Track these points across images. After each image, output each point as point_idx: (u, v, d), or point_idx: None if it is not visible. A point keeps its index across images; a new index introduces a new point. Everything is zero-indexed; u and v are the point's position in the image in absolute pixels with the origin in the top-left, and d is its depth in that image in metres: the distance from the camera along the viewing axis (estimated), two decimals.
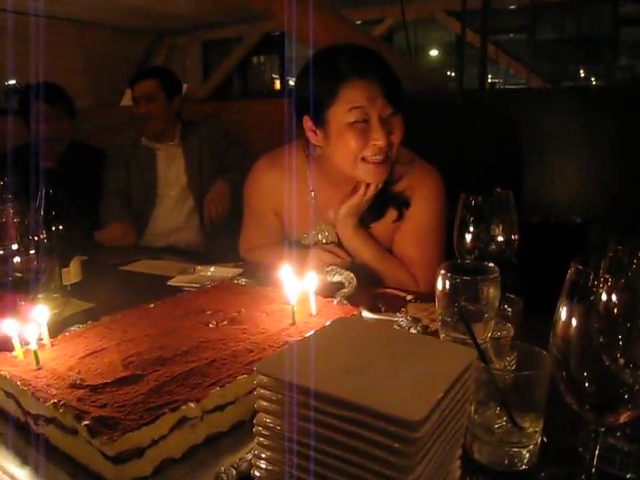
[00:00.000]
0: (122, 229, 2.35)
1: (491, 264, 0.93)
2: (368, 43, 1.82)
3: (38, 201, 1.40)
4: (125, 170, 2.64)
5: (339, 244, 1.58)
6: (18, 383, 0.82)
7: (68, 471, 0.74)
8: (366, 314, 1.16)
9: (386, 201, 1.54)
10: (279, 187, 1.60)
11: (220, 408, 0.81)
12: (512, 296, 0.98)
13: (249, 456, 0.70)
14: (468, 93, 3.05)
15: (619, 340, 0.60)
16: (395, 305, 1.26)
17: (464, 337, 0.85)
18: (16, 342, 0.90)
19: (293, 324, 1.03)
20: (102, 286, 1.49)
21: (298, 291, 1.07)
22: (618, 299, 0.59)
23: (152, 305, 1.16)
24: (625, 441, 0.78)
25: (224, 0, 4.00)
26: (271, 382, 0.61)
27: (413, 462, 0.54)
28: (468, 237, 1.12)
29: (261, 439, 0.64)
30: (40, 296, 1.27)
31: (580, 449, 0.77)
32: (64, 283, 1.41)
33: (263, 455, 0.64)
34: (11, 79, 4.35)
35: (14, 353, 0.90)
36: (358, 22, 4.77)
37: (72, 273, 1.46)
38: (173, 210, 2.66)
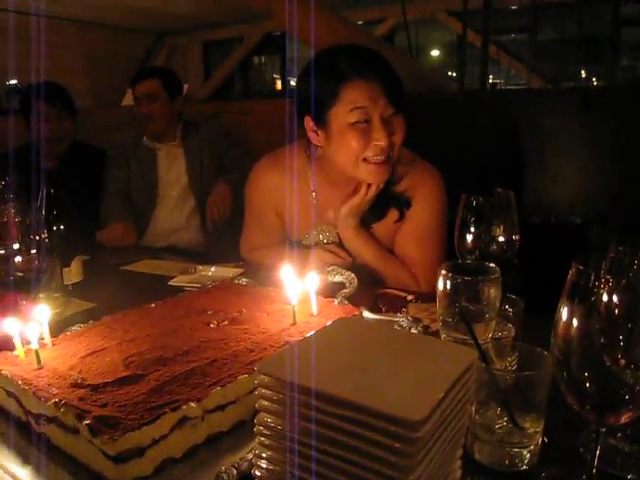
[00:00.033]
0: (123, 229, 2.35)
1: (492, 264, 0.93)
2: (369, 43, 1.82)
3: (39, 201, 1.40)
4: (126, 170, 2.64)
5: (340, 244, 1.58)
6: (19, 382, 0.82)
7: (69, 470, 0.74)
8: (367, 314, 1.16)
9: (387, 201, 1.54)
10: (280, 187, 1.60)
11: (221, 408, 0.81)
12: (513, 296, 0.98)
13: (250, 456, 0.70)
14: (469, 93, 3.05)
15: (620, 341, 0.60)
16: (396, 305, 1.26)
17: (465, 337, 0.85)
18: (17, 341, 0.90)
19: (294, 324, 1.03)
20: (103, 286, 1.50)
21: (299, 291, 1.07)
22: (619, 300, 0.59)
23: (153, 305, 1.16)
24: (626, 442, 0.78)
25: (225, 0, 4.00)
26: (272, 382, 0.61)
27: (414, 462, 0.54)
28: (469, 237, 1.12)
29: (262, 439, 0.64)
30: (41, 296, 1.27)
31: (581, 450, 0.77)
32: (65, 283, 1.41)
33: (264, 455, 0.64)
34: (12, 79, 4.35)
35: (15, 352, 0.91)
36: (359, 22, 4.76)
37: (73, 273, 1.46)
38: (174, 210, 2.66)
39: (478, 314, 0.89)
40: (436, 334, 1.01)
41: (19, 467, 0.75)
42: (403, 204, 1.54)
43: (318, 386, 0.58)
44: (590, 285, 0.61)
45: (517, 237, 1.11)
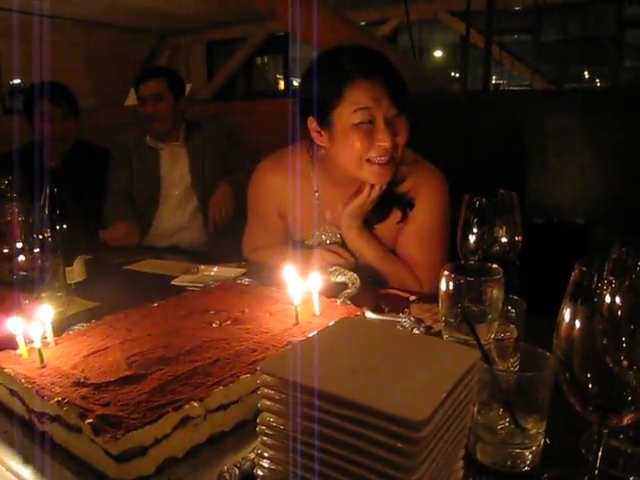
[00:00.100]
0: (126, 229, 2.35)
1: (495, 265, 0.93)
2: (372, 44, 1.82)
3: (42, 200, 1.41)
4: (129, 170, 2.64)
5: (343, 245, 1.58)
6: (22, 381, 0.82)
7: (72, 469, 0.74)
8: (369, 314, 1.16)
9: (390, 202, 1.54)
10: (283, 188, 1.61)
11: (223, 407, 0.81)
12: (515, 297, 0.98)
13: (252, 455, 0.70)
14: (472, 94, 3.05)
15: (623, 342, 0.60)
16: (398, 306, 1.26)
17: (467, 338, 0.85)
18: (20, 340, 0.90)
19: (296, 324, 1.03)
20: (106, 285, 1.50)
21: (301, 291, 1.07)
22: (622, 301, 0.59)
23: (156, 304, 1.16)
24: (628, 443, 0.78)
25: (228, 1, 4.01)
26: (275, 381, 0.61)
27: (416, 462, 0.54)
28: (472, 238, 1.12)
29: (264, 438, 0.64)
30: (44, 295, 1.28)
31: (583, 451, 0.77)
32: (68, 282, 1.41)
33: (266, 454, 0.64)
34: (16, 79, 4.36)
35: (18, 351, 0.91)
36: (362, 23, 4.76)
37: (76, 272, 1.46)
38: (177, 210, 2.66)
39: (480, 315, 0.89)
40: (438, 335, 1.01)
41: (22, 465, 0.75)
42: (406, 205, 1.54)
43: (321, 386, 0.58)
44: (593, 286, 0.61)
45: (520, 238, 1.11)
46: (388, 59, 1.44)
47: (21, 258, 1.29)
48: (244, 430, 0.82)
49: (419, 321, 1.14)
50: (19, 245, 1.31)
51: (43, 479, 0.73)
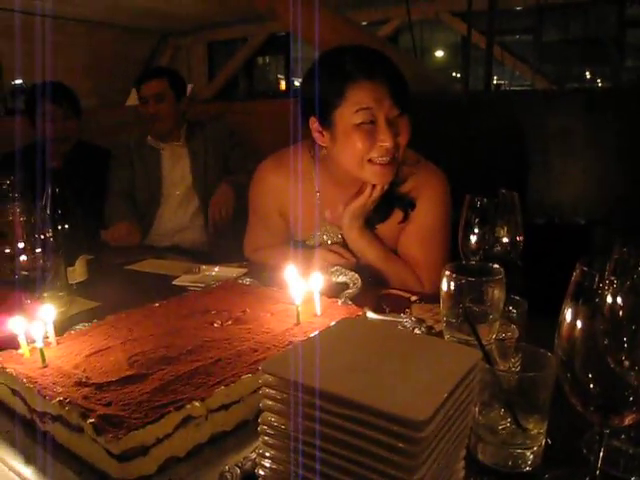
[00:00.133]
0: (127, 229, 2.35)
1: (496, 265, 0.93)
2: (373, 44, 1.82)
3: (44, 200, 1.41)
4: (130, 170, 2.65)
5: (344, 245, 1.58)
6: (24, 381, 0.83)
7: (74, 469, 0.74)
8: (371, 315, 1.16)
9: (392, 202, 1.54)
10: (284, 188, 1.61)
11: (224, 407, 0.81)
12: (517, 297, 0.98)
13: (253, 455, 0.71)
14: (473, 94, 3.05)
15: (624, 342, 0.60)
16: (400, 306, 1.26)
17: (469, 338, 0.85)
18: (22, 340, 0.91)
19: (297, 324, 1.03)
20: (107, 285, 1.50)
21: (303, 291, 1.07)
22: (623, 301, 0.59)
23: (157, 304, 1.16)
24: (630, 444, 0.78)
25: (229, 1, 4.01)
26: (276, 381, 0.61)
27: (418, 462, 0.54)
28: (473, 238, 1.12)
29: (266, 438, 0.64)
30: (46, 295, 1.28)
31: (584, 451, 0.77)
32: (70, 282, 1.41)
33: (267, 454, 0.64)
34: (18, 79, 4.36)
35: (20, 351, 0.91)
36: (363, 23, 4.76)
37: (77, 272, 1.46)
38: (178, 210, 2.66)
39: (482, 315, 0.89)
40: (440, 335, 1.01)
41: (24, 465, 0.75)
42: (407, 205, 1.54)
43: (322, 386, 0.58)
44: (594, 286, 0.61)
45: (521, 238, 1.11)
46: (390, 59, 1.44)
47: (23, 258, 1.29)
48: (245, 430, 0.82)
49: (420, 321, 1.14)
50: (21, 245, 1.31)
51: (45, 479, 0.73)
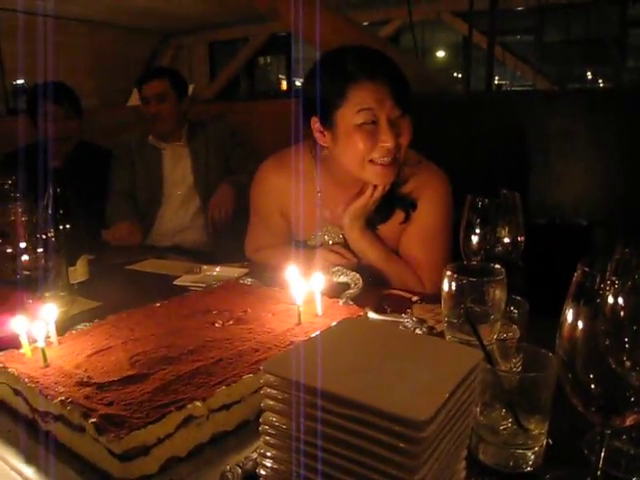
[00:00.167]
0: (128, 229, 2.36)
1: (497, 266, 0.93)
2: (375, 44, 1.82)
3: (46, 200, 1.41)
4: (131, 170, 2.65)
5: (345, 245, 1.58)
6: (26, 380, 0.83)
7: (75, 468, 0.74)
8: (372, 315, 1.16)
9: (393, 203, 1.54)
10: (286, 188, 1.61)
11: (226, 407, 0.81)
12: (518, 298, 0.98)
13: (254, 455, 0.71)
14: (475, 94, 3.05)
15: (625, 343, 0.60)
16: (401, 306, 1.26)
17: (470, 338, 0.85)
18: (24, 340, 0.91)
19: (299, 324, 1.03)
20: (108, 285, 1.50)
21: (304, 291, 1.07)
22: (624, 302, 0.59)
23: (158, 304, 1.16)
24: (631, 444, 0.78)
25: (230, 1, 4.01)
26: (278, 381, 0.61)
27: (419, 462, 0.54)
28: (474, 239, 1.12)
29: (267, 438, 0.64)
30: (47, 294, 1.28)
31: (585, 452, 0.77)
32: (71, 282, 1.41)
33: (269, 454, 0.64)
34: (19, 79, 4.37)
35: (22, 351, 0.91)
36: (365, 23, 4.76)
37: (79, 272, 1.46)
38: (179, 210, 2.67)
39: (483, 315, 0.89)
40: (441, 335, 1.01)
41: (25, 464, 0.75)
42: (409, 205, 1.54)
43: (323, 386, 0.58)
44: (596, 287, 0.61)
45: (522, 238, 1.11)
46: (391, 60, 1.44)
47: (24, 258, 1.30)
48: (246, 430, 0.82)
49: (421, 321, 1.14)
50: (22, 245, 1.32)
51: (47, 478, 0.73)
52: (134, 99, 3.57)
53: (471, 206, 1.13)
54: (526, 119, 2.40)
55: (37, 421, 0.82)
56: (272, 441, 0.64)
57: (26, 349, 0.91)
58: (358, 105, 1.37)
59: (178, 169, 2.67)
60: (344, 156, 1.44)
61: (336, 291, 1.29)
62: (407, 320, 1.13)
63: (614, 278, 0.60)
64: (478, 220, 1.12)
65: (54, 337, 0.95)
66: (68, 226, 1.43)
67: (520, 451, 0.74)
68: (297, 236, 1.66)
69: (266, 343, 0.95)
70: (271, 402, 0.63)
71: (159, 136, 2.65)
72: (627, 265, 0.62)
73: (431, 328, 1.13)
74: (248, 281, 1.36)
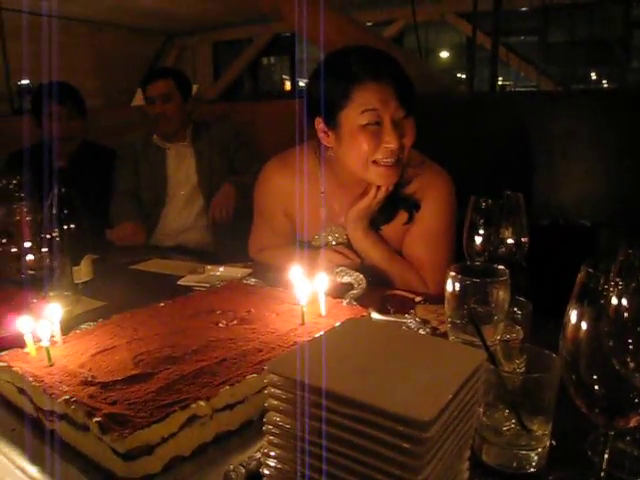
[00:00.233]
0: (132, 228, 2.36)
1: (501, 266, 0.93)
2: (379, 44, 1.82)
3: (50, 200, 1.41)
4: (135, 170, 2.66)
5: (349, 245, 1.58)
6: (30, 379, 0.83)
7: (79, 467, 0.75)
8: (375, 315, 1.16)
9: (396, 203, 1.54)
10: (290, 188, 1.61)
11: (229, 407, 0.81)
12: (522, 299, 0.98)
13: (258, 455, 0.71)
14: (478, 95, 3.05)
15: (629, 344, 0.60)
16: (404, 307, 1.26)
17: (473, 339, 0.85)
18: (29, 339, 0.91)
19: (302, 324, 1.04)
20: (113, 285, 1.51)
21: (308, 292, 1.07)
22: (628, 303, 0.59)
23: (162, 304, 1.17)
24: (635, 445, 0.78)
25: (234, 1, 4.02)
26: (282, 381, 0.62)
27: (422, 462, 0.55)
28: (478, 239, 1.12)
29: (271, 437, 0.64)
30: (52, 294, 1.28)
31: (589, 453, 0.76)
32: (75, 281, 1.42)
33: (272, 453, 0.65)
34: (24, 79, 4.39)
35: (26, 350, 0.92)
36: (368, 24, 4.76)
37: (83, 271, 1.47)
38: (183, 210, 2.67)
39: (487, 316, 0.89)
40: (444, 336, 1.01)
41: (30, 463, 0.75)
42: (412, 206, 1.54)
43: (327, 386, 0.58)
44: (599, 288, 0.61)
45: (526, 239, 1.11)
46: (396, 60, 1.43)
47: (29, 257, 1.30)
48: (250, 430, 0.82)
49: (425, 322, 1.14)
50: (27, 244, 1.32)
51: (51, 477, 0.73)
52: (138, 99, 3.58)
53: (474, 207, 1.13)
54: (530, 120, 2.40)
55: (41, 420, 0.82)
56: (276, 441, 0.64)
57: (31, 348, 0.91)
58: (362, 106, 1.37)
59: (182, 169, 2.68)
60: (348, 157, 1.44)
61: (340, 291, 1.29)
62: (410, 321, 1.13)
63: (618, 279, 0.60)
64: (482, 221, 1.12)
65: (58, 336, 0.96)
66: (72, 226, 1.43)
67: (523, 452, 0.74)
68: (301, 236, 1.66)
69: (270, 343, 0.96)
70: (275, 402, 0.63)
71: (163, 136, 2.66)
72: (631, 266, 0.62)
73: (434, 329, 1.13)
74: (252, 281, 1.36)
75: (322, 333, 0.73)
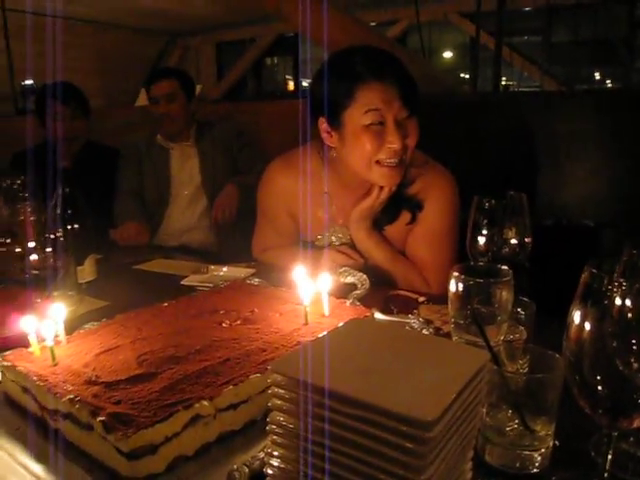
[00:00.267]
0: (136, 228, 2.37)
1: (504, 267, 0.93)
2: (382, 44, 1.82)
3: (54, 200, 1.42)
4: (139, 169, 2.66)
5: (352, 246, 1.58)
6: (35, 379, 0.83)
7: (83, 466, 0.75)
8: (378, 315, 1.16)
9: (400, 204, 1.54)
10: (293, 188, 1.61)
11: (233, 407, 0.81)
12: (525, 299, 0.98)
13: (261, 454, 0.71)
14: (482, 95, 3.04)
15: (633, 345, 0.60)
16: (407, 307, 1.26)
17: (477, 339, 0.85)
18: (33, 339, 0.91)
19: (306, 324, 1.04)
20: (116, 284, 1.51)
21: (311, 292, 1.08)
22: (632, 303, 0.59)
23: (166, 304, 1.17)
24: (638, 446, 0.77)
25: (237, 1, 4.02)
26: (285, 381, 0.62)
27: (425, 462, 0.55)
28: (481, 240, 1.12)
29: (274, 437, 0.64)
30: (56, 294, 1.29)
31: (592, 453, 0.76)
32: (79, 281, 1.42)
33: (276, 453, 0.65)
34: (28, 79, 4.40)
35: (31, 349, 0.92)
36: (372, 23, 4.76)
37: (87, 271, 1.47)
38: (186, 210, 2.67)
39: (490, 316, 0.89)
40: (447, 336, 1.01)
41: (34, 462, 0.76)
42: (415, 206, 1.54)
43: (331, 386, 0.58)
44: (603, 288, 0.61)
45: (529, 240, 1.11)
46: (399, 60, 1.43)
47: (33, 257, 1.31)
48: (253, 429, 0.82)
49: (428, 322, 1.14)
50: (31, 244, 1.33)
51: (55, 476, 0.73)
52: (142, 99, 3.58)
53: (478, 207, 1.13)
54: (533, 120, 2.40)
55: (46, 419, 0.83)
56: (279, 440, 0.64)
57: (35, 348, 0.92)
58: (366, 106, 1.37)
59: (186, 169, 2.68)
60: (351, 157, 1.44)
61: (343, 291, 1.29)
62: (414, 321, 1.13)
63: (622, 279, 0.60)
64: (485, 221, 1.12)
65: (62, 336, 0.96)
66: (76, 226, 1.43)
67: (526, 452, 0.74)
68: (304, 237, 1.66)
69: (273, 343, 0.96)
70: (278, 402, 0.63)
71: (167, 136, 2.66)
72: (635, 266, 0.62)
73: (438, 329, 1.13)
74: (255, 281, 1.36)
75: (325, 333, 0.73)
